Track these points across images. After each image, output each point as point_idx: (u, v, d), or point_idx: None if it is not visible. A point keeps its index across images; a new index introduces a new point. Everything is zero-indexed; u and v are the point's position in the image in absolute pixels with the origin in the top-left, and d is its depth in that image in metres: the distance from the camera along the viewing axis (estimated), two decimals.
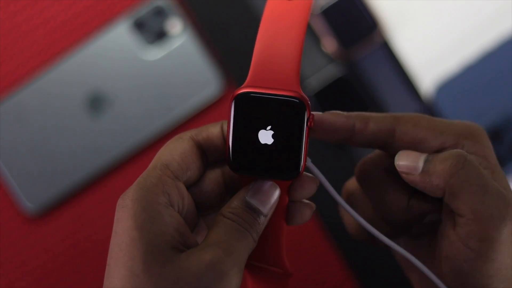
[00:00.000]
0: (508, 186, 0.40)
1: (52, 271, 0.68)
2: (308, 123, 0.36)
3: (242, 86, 0.37)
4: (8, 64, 0.70)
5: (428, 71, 0.70)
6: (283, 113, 0.36)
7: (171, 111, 0.69)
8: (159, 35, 0.69)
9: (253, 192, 0.37)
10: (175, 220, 0.36)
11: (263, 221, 0.37)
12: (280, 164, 0.37)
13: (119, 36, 0.69)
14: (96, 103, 0.69)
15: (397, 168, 0.40)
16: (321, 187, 0.40)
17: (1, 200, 0.69)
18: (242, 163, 0.37)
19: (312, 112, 0.37)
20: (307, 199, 0.40)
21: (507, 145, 0.69)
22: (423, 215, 0.42)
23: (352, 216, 0.40)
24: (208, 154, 0.39)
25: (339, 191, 0.40)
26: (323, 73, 0.68)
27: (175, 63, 0.69)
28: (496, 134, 0.69)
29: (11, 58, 0.70)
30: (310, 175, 0.39)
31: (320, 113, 0.41)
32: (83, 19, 0.70)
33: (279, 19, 0.38)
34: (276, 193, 0.38)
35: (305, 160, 0.37)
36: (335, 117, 0.41)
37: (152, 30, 0.69)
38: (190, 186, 0.39)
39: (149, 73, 0.69)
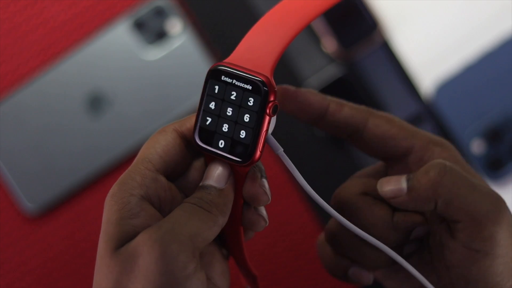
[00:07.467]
0: (487, 184, 0.41)
1: (52, 271, 0.68)
2: (268, 110, 0.36)
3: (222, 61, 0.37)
4: (8, 64, 0.70)
5: (428, 71, 0.70)
6: (248, 93, 0.36)
7: (171, 111, 0.69)
8: (159, 35, 0.69)
9: (205, 177, 0.38)
10: (147, 214, 0.36)
11: (214, 192, 0.37)
12: (236, 146, 0.36)
13: (119, 36, 0.69)
14: (96, 103, 0.69)
15: (382, 195, 0.40)
16: (324, 187, 0.39)
17: (1, 200, 0.69)
18: (206, 140, 0.37)
19: (276, 101, 0.36)
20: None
21: (507, 145, 0.69)
22: (410, 229, 0.41)
23: (337, 219, 0.39)
24: (193, 144, 0.39)
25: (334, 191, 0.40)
26: (323, 73, 0.68)
27: (175, 63, 0.69)
28: (496, 134, 0.69)
29: (11, 58, 0.70)
30: (264, 183, 0.38)
31: (295, 87, 0.41)
32: (83, 19, 0.70)
33: (286, 10, 0.38)
34: (220, 167, 0.37)
35: (261, 149, 0.36)
36: (311, 93, 0.42)
37: (152, 30, 0.69)
38: (178, 177, 0.39)
39: (149, 73, 0.69)
